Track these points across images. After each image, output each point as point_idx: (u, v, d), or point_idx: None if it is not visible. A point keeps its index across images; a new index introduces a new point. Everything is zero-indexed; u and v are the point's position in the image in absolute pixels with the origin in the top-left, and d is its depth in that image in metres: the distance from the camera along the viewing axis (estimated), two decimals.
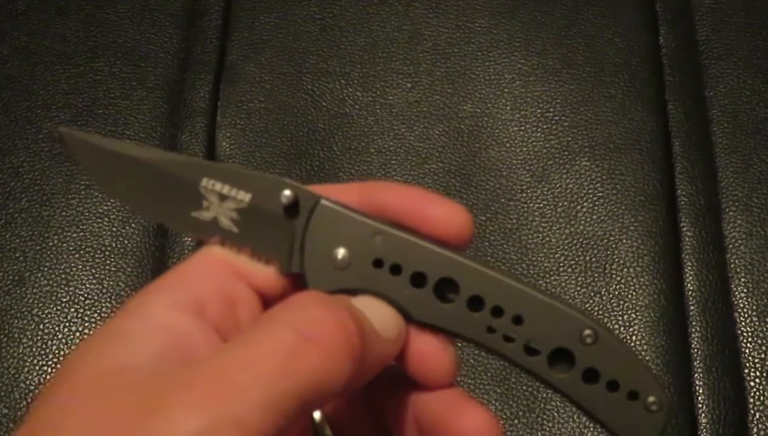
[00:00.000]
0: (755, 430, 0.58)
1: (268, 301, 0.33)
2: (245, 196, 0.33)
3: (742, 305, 0.61)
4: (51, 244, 0.63)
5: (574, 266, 0.62)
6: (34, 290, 0.62)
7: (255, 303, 0.33)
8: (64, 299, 0.62)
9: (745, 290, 0.62)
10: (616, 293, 0.61)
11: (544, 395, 0.58)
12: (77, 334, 0.61)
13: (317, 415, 0.35)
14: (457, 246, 0.33)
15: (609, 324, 0.60)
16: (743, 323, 0.61)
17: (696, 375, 0.59)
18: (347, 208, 0.33)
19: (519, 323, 0.32)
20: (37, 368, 0.60)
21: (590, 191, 0.64)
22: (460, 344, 0.59)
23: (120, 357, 0.29)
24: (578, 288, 0.61)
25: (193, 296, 0.31)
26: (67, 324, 0.61)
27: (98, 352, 0.29)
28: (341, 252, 0.33)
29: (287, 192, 0.33)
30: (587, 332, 0.32)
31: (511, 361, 0.33)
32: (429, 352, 0.33)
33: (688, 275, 0.62)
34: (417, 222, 0.33)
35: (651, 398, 0.32)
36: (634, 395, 0.32)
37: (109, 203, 0.65)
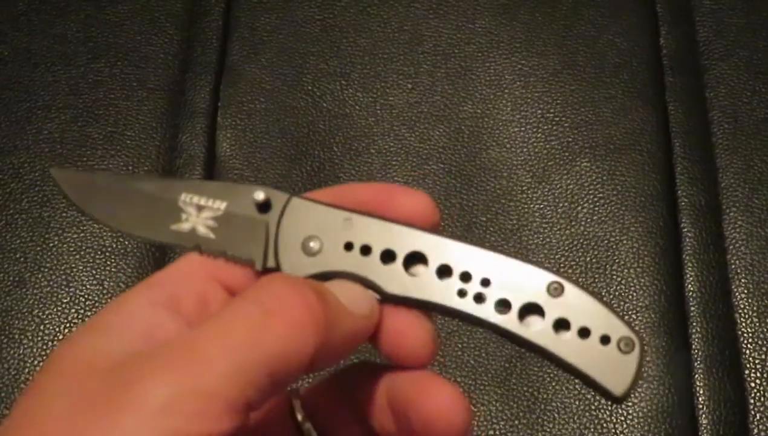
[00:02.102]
0: (756, 431, 0.58)
1: None
2: (221, 205, 0.35)
3: (742, 306, 0.61)
4: (51, 245, 0.63)
5: (574, 267, 0.62)
6: (35, 291, 0.62)
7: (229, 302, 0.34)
8: (65, 300, 0.62)
9: (745, 291, 0.61)
10: (617, 293, 0.61)
11: (545, 396, 0.58)
12: None
13: (299, 415, 0.36)
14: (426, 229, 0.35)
15: None
16: (744, 324, 0.61)
17: (696, 376, 0.59)
18: (316, 201, 0.35)
19: (487, 285, 0.33)
20: (38, 368, 0.60)
21: (591, 192, 0.64)
22: (460, 345, 0.59)
23: (97, 346, 0.30)
24: None
25: (169, 294, 0.33)
26: (68, 325, 0.61)
27: (78, 344, 0.31)
28: (313, 240, 0.34)
29: (260, 193, 0.35)
30: (553, 285, 0.33)
31: (484, 323, 0.33)
32: (404, 328, 0.33)
33: (688, 275, 0.62)
34: (386, 214, 0.35)
35: (623, 341, 0.33)
36: (605, 339, 0.33)
37: None
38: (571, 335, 0.33)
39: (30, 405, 0.29)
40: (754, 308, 0.61)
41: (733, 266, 0.62)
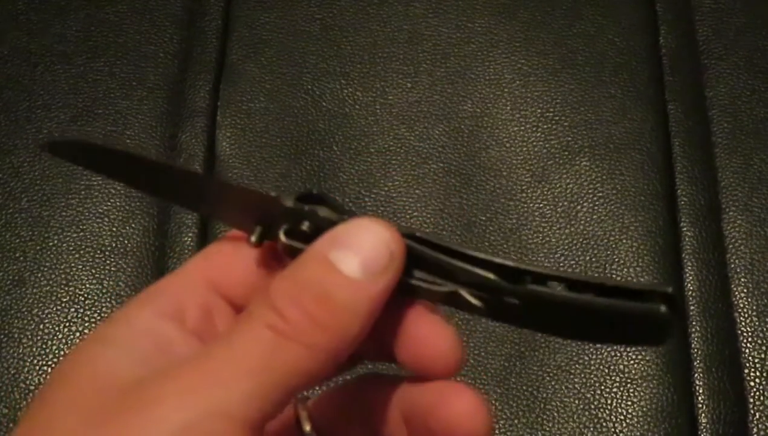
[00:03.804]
0: (755, 430, 0.58)
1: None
2: None
3: (742, 305, 0.61)
4: (51, 244, 0.63)
5: (574, 266, 0.62)
6: (34, 290, 0.62)
7: (230, 313, 0.34)
8: (64, 299, 0.62)
9: (745, 290, 0.61)
10: None
11: (545, 395, 0.58)
12: (77, 334, 0.61)
13: (306, 426, 0.36)
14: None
15: None
16: (743, 323, 0.61)
17: (696, 375, 0.59)
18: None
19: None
20: (37, 368, 0.60)
21: (590, 191, 0.64)
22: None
23: (108, 361, 0.30)
24: None
25: (173, 304, 0.32)
26: (67, 324, 0.61)
27: (88, 357, 0.30)
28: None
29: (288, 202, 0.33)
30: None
31: (519, 291, 0.31)
32: (428, 334, 0.32)
33: (688, 274, 0.62)
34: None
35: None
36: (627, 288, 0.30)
37: (109, 203, 0.65)
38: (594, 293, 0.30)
39: (40, 417, 0.29)
40: (754, 307, 0.61)
41: (732, 266, 0.62)
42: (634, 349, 0.58)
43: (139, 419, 0.27)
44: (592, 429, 0.57)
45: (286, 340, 0.29)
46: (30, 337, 0.61)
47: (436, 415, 0.32)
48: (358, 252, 0.30)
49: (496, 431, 0.58)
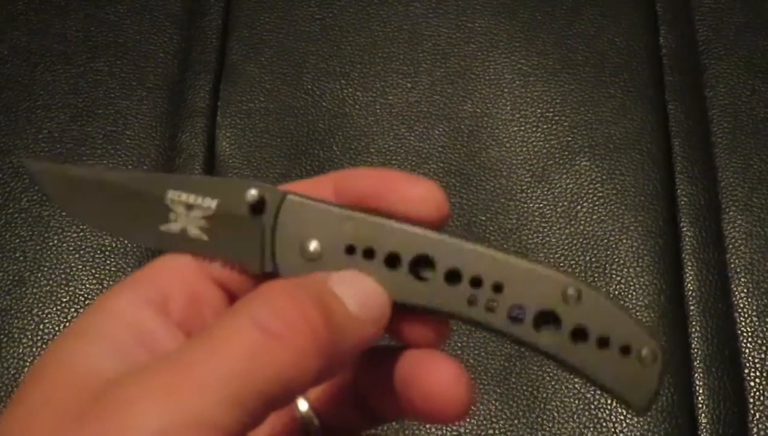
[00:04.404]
0: (755, 430, 0.58)
1: (237, 298, 0.33)
2: (211, 203, 0.33)
3: (742, 305, 0.61)
4: (51, 244, 0.63)
5: (574, 266, 0.62)
6: (34, 290, 0.62)
7: (223, 301, 0.33)
8: (64, 299, 0.62)
9: (745, 290, 0.62)
10: (617, 293, 0.61)
11: (545, 395, 0.58)
12: None
13: (304, 407, 0.35)
14: (434, 225, 0.32)
15: None
16: (743, 323, 0.61)
17: (696, 375, 0.59)
18: (314, 200, 0.33)
19: (499, 291, 0.31)
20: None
21: (590, 191, 0.64)
22: (460, 345, 0.59)
23: (86, 356, 0.29)
24: None
25: (157, 292, 0.31)
26: (67, 324, 0.61)
27: (66, 352, 0.30)
28: (312, 243, 0.32)
29: (252, 191, 0.32)
30: (570, 290, 0.31)
31: (497, 332, 0.32)
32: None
33: (688, 274, 0.62)
34: (393, 204, 0.33)
35: (644, 351, 0.31)
36: (626, 349, 0.31)
37: None
38: (589, 344, 0.31)
39: (18, 416, 0.28)
40: (754, 307, 0.61)
41: (732, 265, 0.62)
42: None
43: (113, 422, 0.26)
44: (592, 429, 0.57)
45: (273, 342, 0.28)
46: (30, 337, 0.61)
47: (417, 384, 0.32)
48: (356, 293, 0.31)
49: (497, 432, 0.58)
